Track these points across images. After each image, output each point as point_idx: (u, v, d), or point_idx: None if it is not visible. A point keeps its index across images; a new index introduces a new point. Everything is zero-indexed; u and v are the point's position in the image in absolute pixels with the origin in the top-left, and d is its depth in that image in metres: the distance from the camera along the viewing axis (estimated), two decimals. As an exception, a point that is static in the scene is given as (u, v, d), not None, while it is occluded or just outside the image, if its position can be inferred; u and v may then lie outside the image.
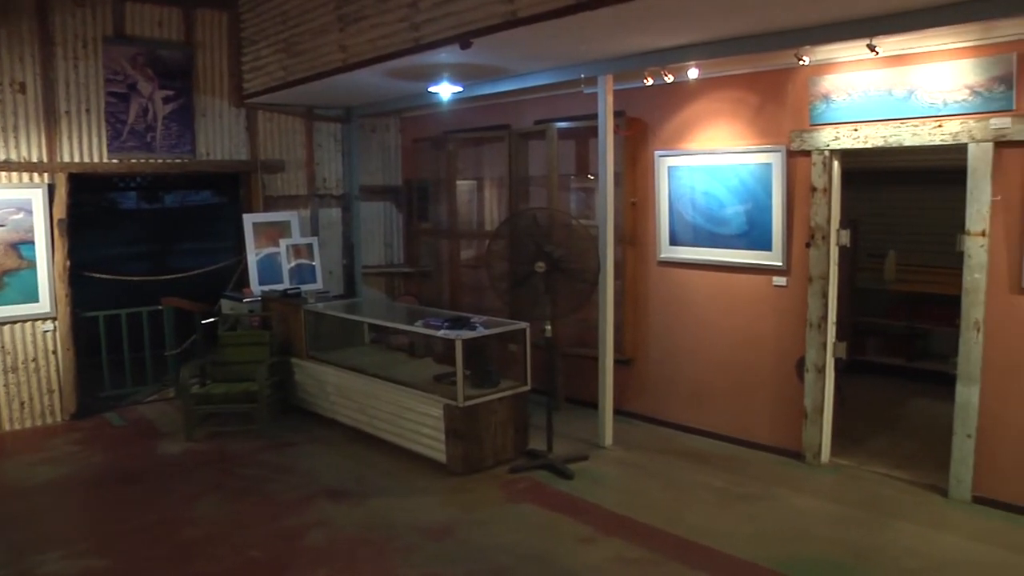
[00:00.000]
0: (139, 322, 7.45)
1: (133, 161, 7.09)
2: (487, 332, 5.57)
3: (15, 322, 6.50)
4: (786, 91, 5.38)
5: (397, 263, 8.88)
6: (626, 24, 4.46)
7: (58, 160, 6.66)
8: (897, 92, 4.82)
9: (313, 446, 6.09)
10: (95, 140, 6.85)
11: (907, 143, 4.80)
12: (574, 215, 6.15)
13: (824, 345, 5.32)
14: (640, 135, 6.28)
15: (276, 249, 7.54)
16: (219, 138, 7.57)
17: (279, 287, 7.36)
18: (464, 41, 4.86)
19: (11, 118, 6.43)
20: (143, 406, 7.25)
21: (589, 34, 4.72)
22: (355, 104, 8.06)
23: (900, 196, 7.83)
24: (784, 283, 5.52)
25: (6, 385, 6.51)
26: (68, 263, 6.70)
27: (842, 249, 5.35)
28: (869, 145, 4.97)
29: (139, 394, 7.46)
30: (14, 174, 6.46)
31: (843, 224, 5.31)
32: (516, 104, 7.22)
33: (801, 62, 4.98)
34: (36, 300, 6.56)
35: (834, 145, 5.14)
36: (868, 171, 7.03)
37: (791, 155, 5.38)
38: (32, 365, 6.62)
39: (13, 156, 6.45)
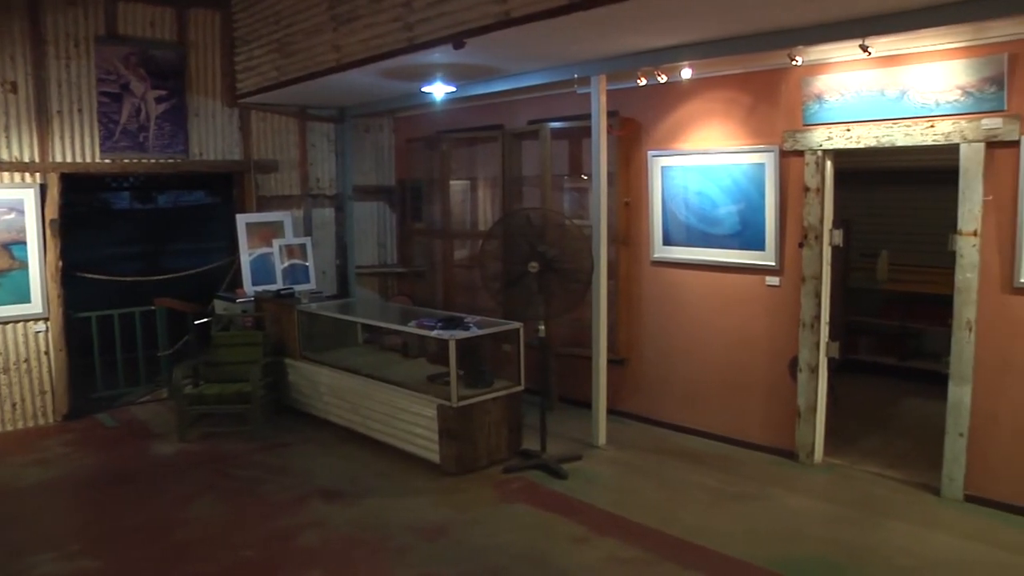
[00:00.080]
0: (132, 323, 7.42)
1: (126, 161, 7.07)
2: (481, 332, 5.57)
3: (7, 323, 6.47)
4: (779, 91, 5.39)
5: (390, 263, 8.87)
6: (619, 24, 4.47)
7: (50, 160, 6.63)
8: (889, 92, 4.84)
9: (306, 447, 6.08)
10: (87, 140, 6.82)
11: (899, 143, 4.81)
12: (567, 215, 6.14)
13: (817, 345, 5.33)
14: (633, 135, 6.28)
15: (269, 249, 7.52)
16: (212, 138, 7.55)
17: (272, 287, 7.35)
18: (457, 41, 4.86)
19: (2, 118, 6.40)
20: (136, 407, 7.23)
21: (582, 34, 4.72)
22: (348, 104, 8.05)
23: (893, 196, 7.86)
24: (777, 283, 5.53)
25: (-2, 386, 6.50)
26: (60, 263, 6.67)
27: (835, 249, 5.37)
28: (862, 145, 4.99)
29: (132, 395, 7.43)
30: (5, 174, 6.43)
31: (836, 224, 5.33)
32: (510, 104, 7.22)
33: (794, 62, 4.99)
34: (28, 301, 6.54)
35: (827, 145, 5.15)
36: (861, 171, 7.06)
37: (784, 155, 5.39)
38: (24, 366, 6.59)
39: (4, 156, 6.42)
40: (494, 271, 5.76)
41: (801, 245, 5.35)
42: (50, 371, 6.70)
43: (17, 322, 6.52)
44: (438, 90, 6.47)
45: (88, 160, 6.83)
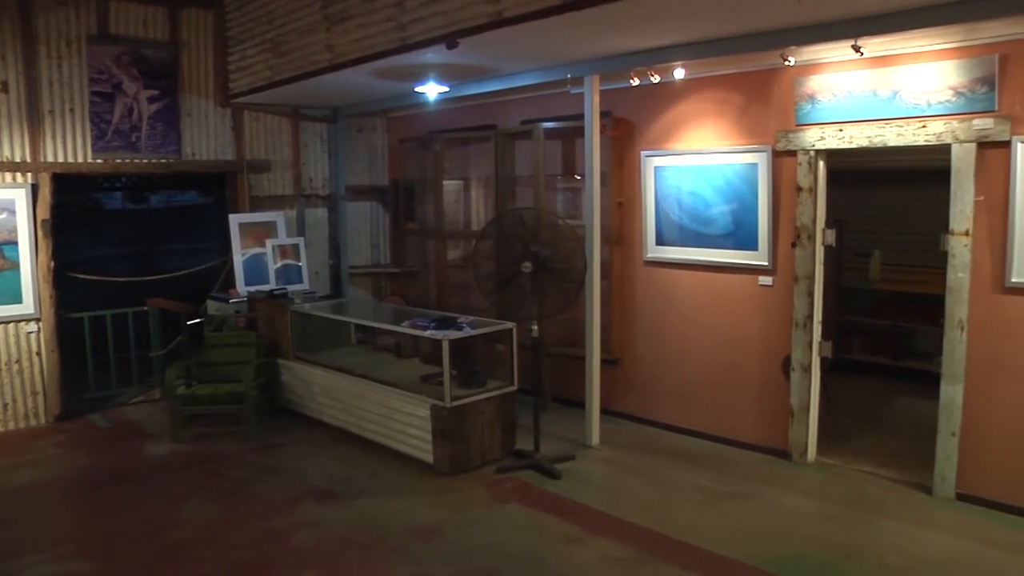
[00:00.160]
0: (124, 323, 7.40)
1: (118, 161, 7.05)
2: (474, 332, 5.57)
3: (-2, 323, 6.46)
4: (772, 91, 5.40)
5: (384, 263, 8.86)
6: (612, 24, 4.47)
7: (42, 160, 6.60)
8: (882, 93, 4.85)
9: (300, 447, 6.06)
10: (79, 140, 6.80)
11: (892, 143, 4.83)
12: (561, 215, 6.15)
13: (810, 344, 5.35)
14: (626, 135, 6.29)
15: (262, 249, 7.51)
16: (205, 138, 7.54)
17: (265, 288, 7.33)
18: (450, 41, 4.86)
19: (-6, 117, 6.39)
20: (128, 407, 7.20)
21: (575, 34, 4.73)
22: (341, 104, 8.04)
23: (885, 196, 7.88)
24: (770, 283, 5.54)
25: (-11, 387, 6.47)
26: (52, 264, 6.65)
27: (828, 249, 5.38)
28: (854, 145, 5.00)
29: (124, 395, 7.40)
30: (-3, 174, 6.42)
31: (829, 224, 5.34)
32: (503, 104, 7.22)
33: (787, 63, 5.00)
34: (20, 301, 6.51)
35: (819, 145, 5.17)
36: (853, 171, 7.07)
37: (777, 155, 5.40)
38: (16, 367, 6.56)
39: (-4, 156, 6.41)
40: (487, 271, 5.77)
41: (794, 245, 5.36)
42: (42, 372, 6.67)
43: (9, 323, 6.49)
44: (431, 90, 6.46)
45: (80, 160, 6.81)
